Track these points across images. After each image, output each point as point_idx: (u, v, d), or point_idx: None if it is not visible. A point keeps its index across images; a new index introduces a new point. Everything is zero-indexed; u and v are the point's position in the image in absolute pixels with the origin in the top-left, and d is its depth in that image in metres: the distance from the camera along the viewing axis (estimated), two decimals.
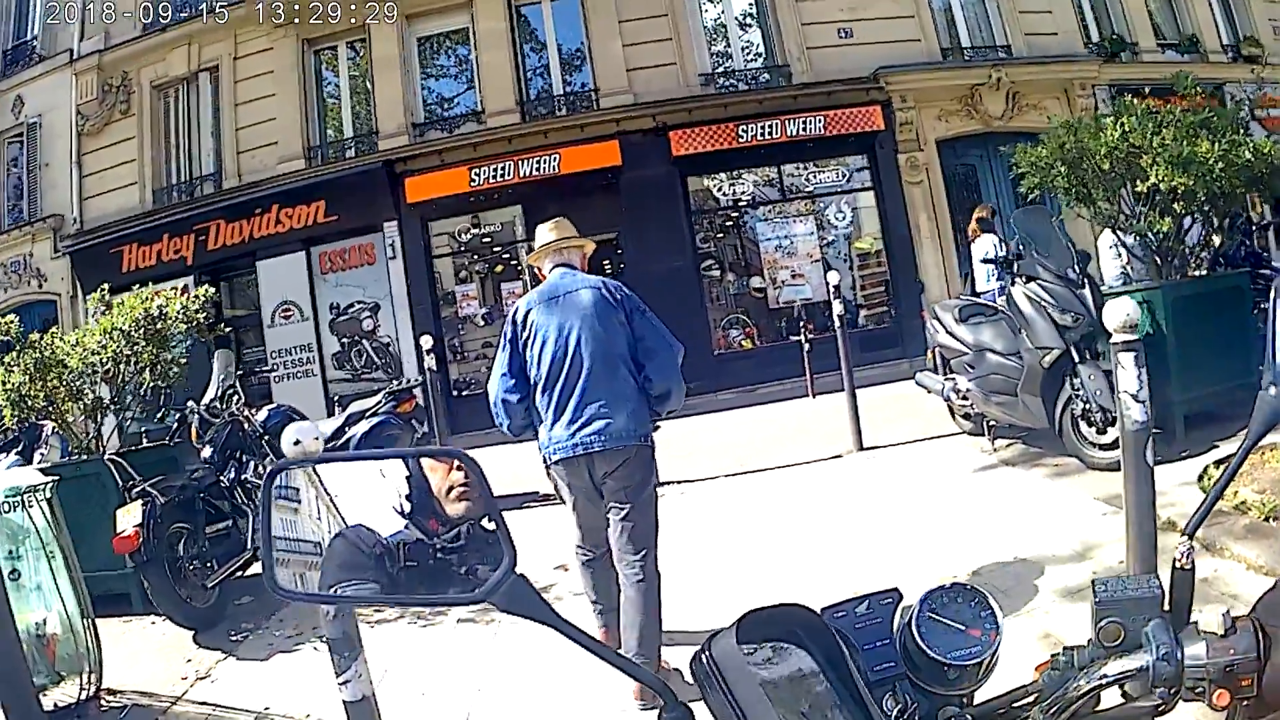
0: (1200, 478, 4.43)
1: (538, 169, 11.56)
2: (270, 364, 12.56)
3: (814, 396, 9.95)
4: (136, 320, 5.46)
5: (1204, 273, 5.96)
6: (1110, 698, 0.82)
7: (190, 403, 6.14)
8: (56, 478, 3.96)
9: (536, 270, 3.61)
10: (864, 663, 0.87)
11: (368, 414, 6.93)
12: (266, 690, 3.89)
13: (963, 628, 0.87)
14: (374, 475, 1.01)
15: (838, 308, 6.98)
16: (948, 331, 6.05)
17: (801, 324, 10.75)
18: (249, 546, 5.12)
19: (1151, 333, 5.44)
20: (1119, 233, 5.82)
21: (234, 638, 4.59)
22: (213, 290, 6.09)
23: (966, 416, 6.31)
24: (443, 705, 3.49)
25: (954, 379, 6.02)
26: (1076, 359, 5.09)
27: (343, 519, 0.97)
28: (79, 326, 7.96)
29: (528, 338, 3.32)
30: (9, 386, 5.18)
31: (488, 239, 12.33)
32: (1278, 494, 3.89)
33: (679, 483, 6.44)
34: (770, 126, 11.85)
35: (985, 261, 6.73)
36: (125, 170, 13.33)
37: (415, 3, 12.48)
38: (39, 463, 5.79)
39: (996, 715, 0.87)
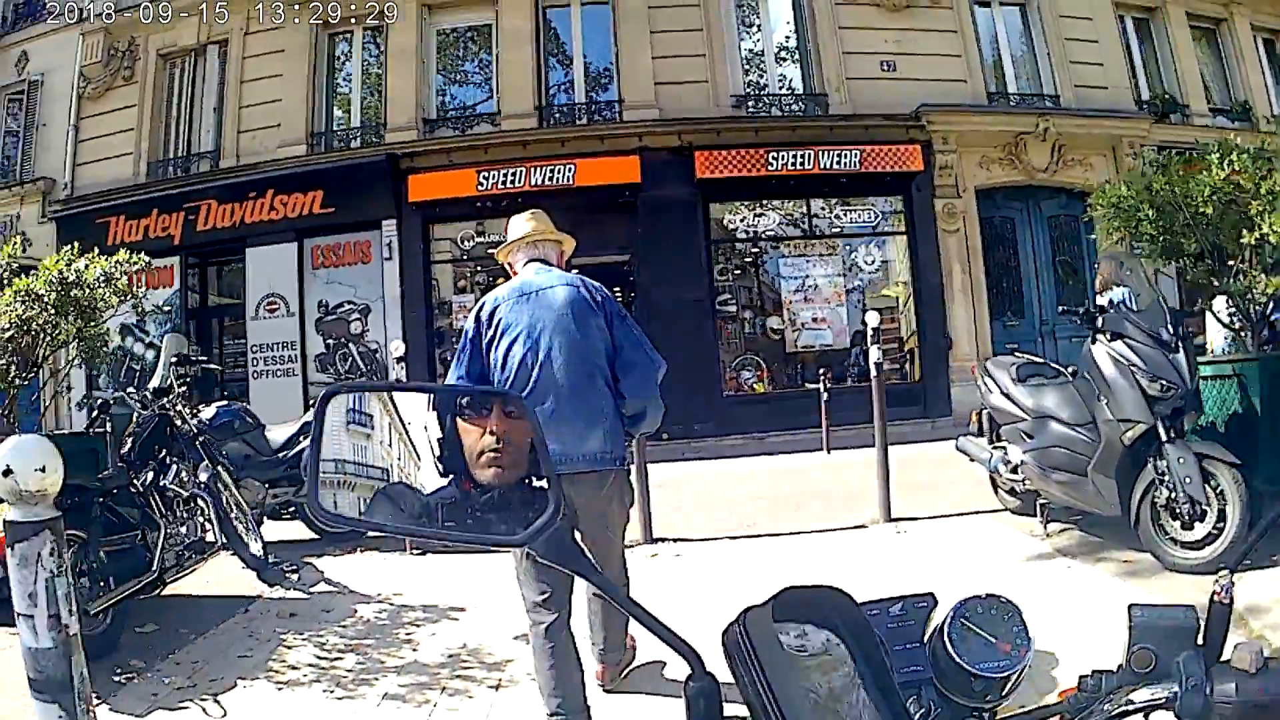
0: None
1: (551, 178, 10.83)
2: (250, 358, 11.81)
3: (829, 451, 9.13)
4: (50, 283, 4.64)
5: None
6: None
7: (131, 390, 5.36)
8: None
9: (508, 267, 3.19)
10: (892, 664, 0.86)
11: None
12: None
13: (994, 640, 0.86)
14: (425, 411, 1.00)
15: (875, 354, 6.08)
16: (1002, 392, 5.19)
17: (821, 372, 9.92)
18: (157, 566, 4.29)
19: (1241, 411, 4.71)
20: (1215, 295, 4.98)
21: (117, 678, 3.72)
22: (146, 258, 5.23)
23: (1013, 492, 5.42)
24: None
25: (1004, 448, 5.16)
26: (1164, 437, 4.23)
27: (395, 449, 0.99)
28: None
29: (493, 337, 2.89)
30: None
31: (492, 248, 11.50)
32: None
33: (674, 540, 5.58)
34: (803, 157, 11.14)
35: (1067, 312, 5.65)
36: (122, 139, 12.78)
37: None
38: None
39: None
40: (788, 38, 12.25)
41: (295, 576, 5.17)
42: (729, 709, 0.75)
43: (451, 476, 0.93)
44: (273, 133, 11.98)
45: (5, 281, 4.89)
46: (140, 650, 4.00)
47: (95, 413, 5.23)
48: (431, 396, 1.08)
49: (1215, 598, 0.86)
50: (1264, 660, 0.77)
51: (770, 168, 11.10)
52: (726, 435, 10.44)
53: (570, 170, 10.85)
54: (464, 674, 3.61)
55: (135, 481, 4.54)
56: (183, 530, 4.65)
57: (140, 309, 5.60)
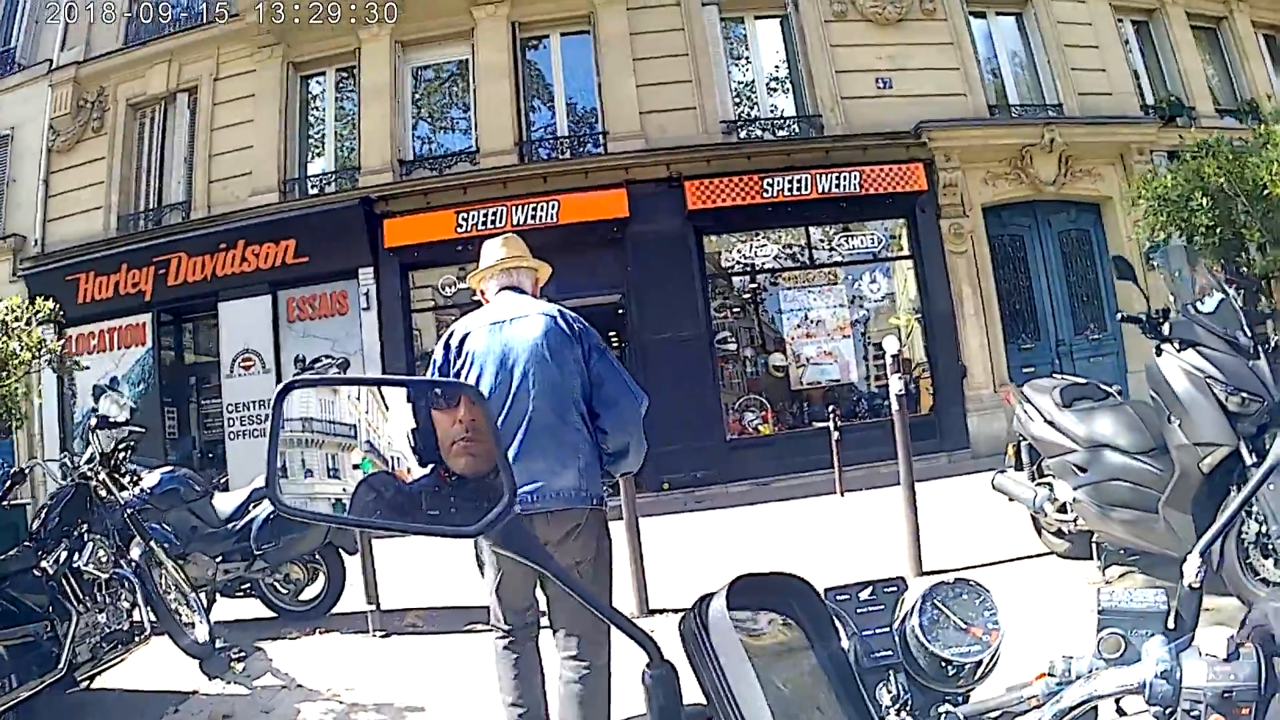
0: None
1: (534, 216, 10.25)
2: (226, 418, 11.23)
3: (843, 494, 8.51)
4: None
5: None
6: (1108, 710, 0.81)
7: (58, 459, 5.00)
8: None
9: (480, 294, 3.10)
10: (861, 649, 0.88)
11: None
12: None
13: (965, 625, 0.87)
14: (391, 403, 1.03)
15: (895, 384, 5.36)
16: (1045, 420, 4.56)
17: (829, 409, 9.30)
18: (66, 662, 3.74)
19: None
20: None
21: None
22: (52, 305, 4.69)
23: (1060, 534, 4.77)
24: None
25: (1049, 484, 4.57)
26: (1248, 460, 3.59)
27: (353, 442, 1.00)
28: None
29: (462, 367, 2.76)
30: None
31: (475, 294, 10.93)
32: None
33: (675, 612, 4.92)
34: (799, 182, 10.57)
35: (1128, 320, 4.77)
36: (91, 193, 12.36)
37: (412, 30, 11.36)
38: None
39: (990, 716, 0.86)
40: (777, 66, 11.70)
41: (240, 666, 4.69)
42: (689, 696, 0.75)
43: (432, 466, 0.95)
44: (244, 181, 11.51)
45: None
46: None
47: (9, 483, 4.67)
48: (400, 389, 1.12)
49: (1187, 581, 0.84)
50: (1236, 646, 0.76)
51: (765, 195, 10.52)
52: (732, 482, 9.85)
53: (554, 207, 10.29)
54: None
55: (43, 563, 3.98)
56: (101, 618, 4.10)
57: (63, 367, 5.01)
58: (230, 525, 5.49)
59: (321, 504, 1.04)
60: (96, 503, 4.41)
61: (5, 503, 4.69)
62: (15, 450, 11.75)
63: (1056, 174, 11.55)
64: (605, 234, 10.40)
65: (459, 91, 11.65)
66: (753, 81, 11.64)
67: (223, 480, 10.31)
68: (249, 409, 11.09)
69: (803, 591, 0.85)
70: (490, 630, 2.86)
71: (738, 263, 10.98)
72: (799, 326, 10.82)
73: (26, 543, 4.08)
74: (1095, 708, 0.80)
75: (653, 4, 11.25)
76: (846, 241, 11.08)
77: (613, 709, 2.72)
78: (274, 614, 5.52)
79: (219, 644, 4.76)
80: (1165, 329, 4.03)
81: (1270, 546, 3.54)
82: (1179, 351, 3.89)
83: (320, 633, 5.20)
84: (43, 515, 4.26)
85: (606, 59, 11.12)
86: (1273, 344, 3.82)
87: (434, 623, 5.12)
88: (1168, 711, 0.77)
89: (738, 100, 11.47)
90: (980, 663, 0.85)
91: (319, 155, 11.88)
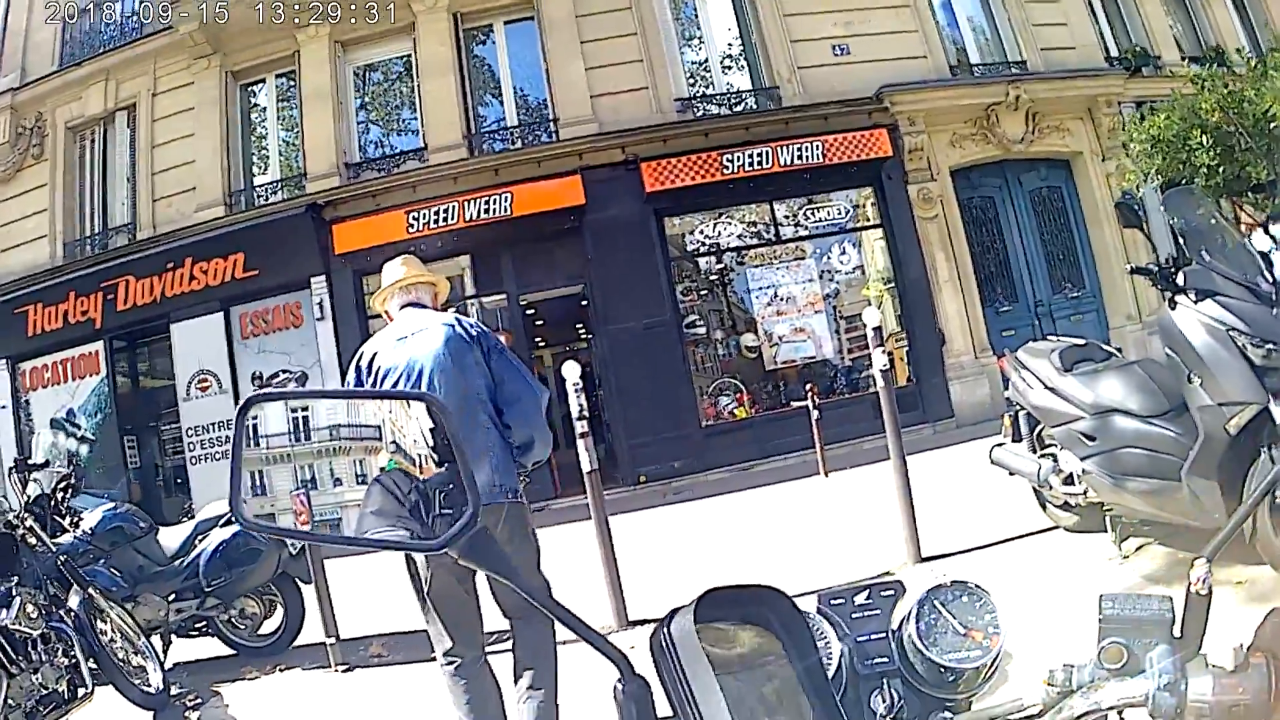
0: None
1: (487, 210, 9.89)
2: (187, 443, 10.85)
3: (826, 474, 8.19)
4: None
5: None
6: None
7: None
8: None
9: (384, 314, 3.25)
10: (857, 655, 0.87)
11: (222, 522, 5.29)
12: None
13: (964, 629, 0.85)
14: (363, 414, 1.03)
15: (879, 359, 5.02)
16: (1046, 387, 4.21)
17: (807, 387, 8.97)
18: None
19: None
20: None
21: None
22: None
23: (1067, 507, 4.42)
24: None
25: (1053, 455, 4.24)
26: (1279, 419, 3.25)
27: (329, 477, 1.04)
28: None
29: (374, 384, 2.88)
30: None
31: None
32: None
33: (653, 623, 4.58)
34: (760, 156, 10.23)
35: (1137, 272, 4.28)
36: (36, 222, 11.96)
37: (351, 29, 10.98)
38: None
39: None
40: (730, 43, 11.34)
41: (196, 715, 4.42)
42: (663, 710, 0.73)
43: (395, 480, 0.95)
44: (189, 197, 11.12)
45: None
46: None
47: None
48: (362, 402, 1.15)
49: (1192, 588, 0.80)
50: (1244, 656, 0.73)
51: (725, 171, 10.18)
52: (710, 470, 9.53)
53: (507, 199, 9.92)
54: None
55: None
56: (36, 678, 3.76)
57: None
58: (178, 561, 5.21)
59: (284, 519, 1.05)
60: (26, 551, 4.15)
61: None
62: None
63: (1024, 131, 11.30)
64: (562, 223, 10.05)
65: (404, 89, 11.29)
66: (706, 59, 11.30)
67: (189, 507, 10.00)
68: (209, 431, 10.71)
69: (777, 601, 0.81)
70: (443, 664, 2.87)
71: (702, 244, 10.64)
72: (769, 305, 10.49)
73: None
74: (1105, 718, 0.77)
75: None
76: (813, 214, 10.75)
77: None
78: (233, 651, 5.26)
79: (174, 690, 4.52)
80: (1180, 279, 3.65)
81: None
82: (1196, 303, 3.54)
83: (280, 669, 4.94)
84: None
85: (553, 43, 10.75)
86: None
87: (397, 651, 4.84)
88: None
89: (691, 78, 11.13)
90: (980, 668, 0.84)
91: (265, 165, 11.50)
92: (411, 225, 9.93)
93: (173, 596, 5.08)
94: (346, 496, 0.97)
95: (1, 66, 12.52)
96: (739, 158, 10.20)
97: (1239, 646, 0.74)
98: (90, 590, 4.30)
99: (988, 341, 10.70)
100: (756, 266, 10.62)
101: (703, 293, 10.70)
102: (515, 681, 2.91)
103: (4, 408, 10.18)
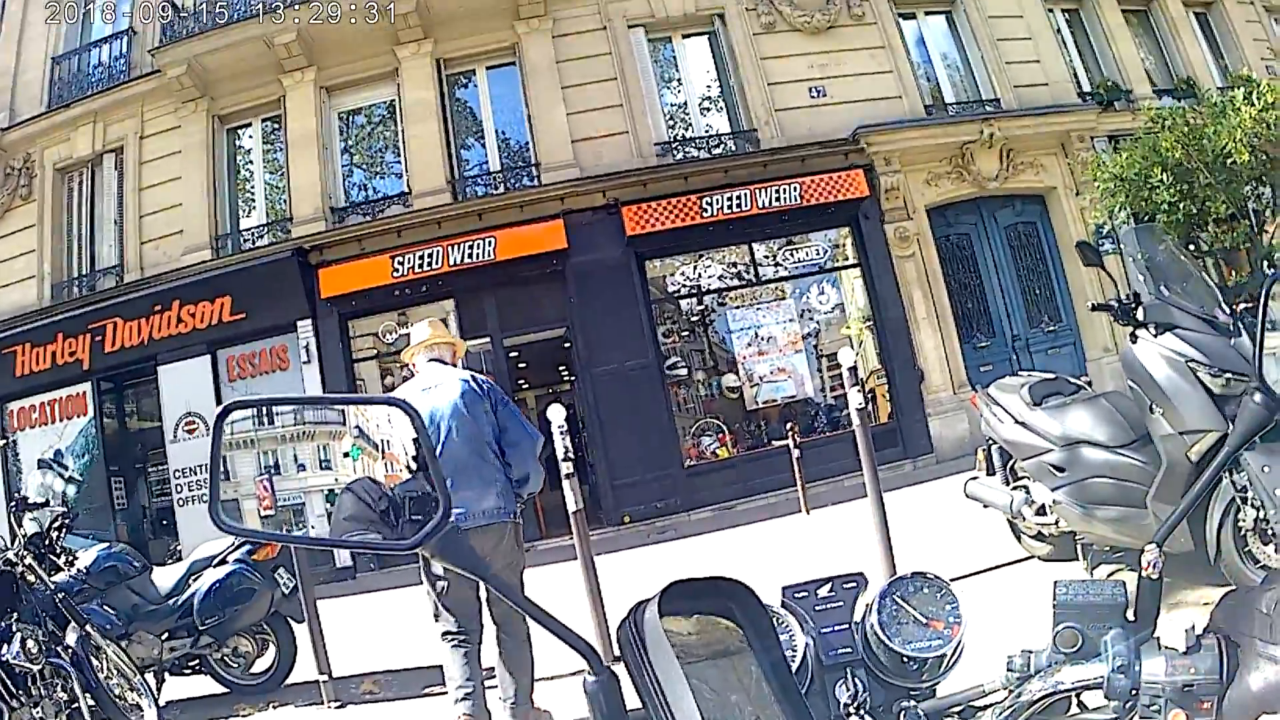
0: None
1: (470, 255, 10.03)
2: (174, 485, 10.90)
3: (808, 512, 8.33)
4: None
5: None
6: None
7: None
8: None
9: (411, 366, 3.94)
10: (821, 646, 0.88)
11: (215, 561, 5.39)
12: None
13: (926, 619, 0.87)
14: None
15: (855, 398, 5.14)
16: (1016, 421, 4.35)
17: (788, 426, 9.11)
18: None
19: None
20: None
21: None
22: None
23: (1040, 537, 4.57)
24: None
25: (1024, 487, 4.38)
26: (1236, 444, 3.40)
27: (292, 463, 1.55)
28: None
29: None
30: None
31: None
32: None
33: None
34: (738, 198, 10.40)
35: (1098, 309, 4.45)
36: (24, 263, 12.06)
37: (336, 74, 11.16)
38: None
39: (952, 712, 0.86)
40: (709, 85, 11.54)
41: None
42: (633, 702, 0.75)
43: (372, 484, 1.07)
44: (176, 240, 11.24)
45: None
46: None
47: None
48: (336, 408, 1.26)
49: (1144, 572, 0.83)
50: (1196, 638, 0.75)
51: (705, 214, 10.35)
52: (693, 510, 9.66)
53: (490, 244, 10.07)
54: None
55: None
56: (36, 712, 3.90)
57: None
58: (172, 600, 5.30)
59: (260, 522, 1.08)
60: (25, 589, 4.23)
61: None
62: None
63: (999, 168, 11.48)
64: (545, 267, 10.20)
65: (388, 134, 11.44)
66: (685, 103, 11.49)
67: (176, 548, 10.04)
68: (196, 473, 10.76)
69: (741, 594, 0.82)
70: (444, 640, 3.55)
71: (683, 285, 10.80)
72: (750, 345, 10.64)
73: None
74: (1067, 698, 0.80)
75: (578, 30, 11.11)
76: (792, 255, 10.92)
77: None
78: (226, 689, 5.36)
79: None
80: (1139, 314, 3.81)
81: (1270, 532, 3.34)
82: (1156, 336, 3.69)
83: (274, 707, 5.04)
84: None
85: (534, 89, 10.94)
86: (1241, 310, 3.64)
87: (390, 688, 4.95)
88: (1127, 705, 0.76)
89: (671, 121, 11.32)
90: (943, 657, 0.84)
91: (251, 208, 11.62)
92: (396, 269, 10.05)
93: (166, 635, 5.18)
94: (309, 482, 1.11)
95: None
96: (718, 200, 10.37)
97: (1190, 628, 0.75)
98: (87, 628, 4.36)
99: (966, 377, 10.84)
100: (737, 307, 10.78)
101: (684, 334, 10.85)
102: (498, 685, 3.61)
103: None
